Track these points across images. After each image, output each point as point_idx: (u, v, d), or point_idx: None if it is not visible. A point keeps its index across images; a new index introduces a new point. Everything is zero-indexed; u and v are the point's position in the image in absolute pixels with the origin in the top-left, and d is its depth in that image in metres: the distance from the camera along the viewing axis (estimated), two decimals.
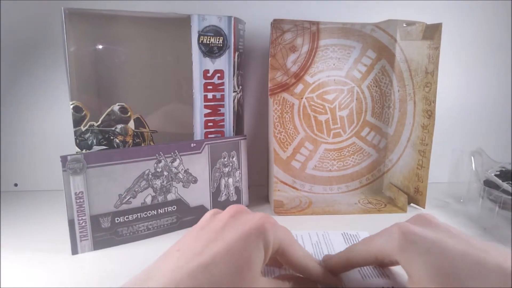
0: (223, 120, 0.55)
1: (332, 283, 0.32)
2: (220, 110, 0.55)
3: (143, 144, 0.52)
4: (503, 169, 0.58)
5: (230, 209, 0.30)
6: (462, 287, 0.23)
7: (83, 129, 0.49)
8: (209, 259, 0.24)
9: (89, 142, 0.50)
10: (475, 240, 0.27)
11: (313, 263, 0.31)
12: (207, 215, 0.31)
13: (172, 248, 0.28)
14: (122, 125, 0.51)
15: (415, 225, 0.29)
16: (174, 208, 0.49)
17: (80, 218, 0.42)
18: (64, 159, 0.41)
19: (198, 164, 0.50)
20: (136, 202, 0.46)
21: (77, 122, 0.49)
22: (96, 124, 0.50)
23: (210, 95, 0.53)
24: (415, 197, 0.59)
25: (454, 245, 0.26)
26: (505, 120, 0.71)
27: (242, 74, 0.59)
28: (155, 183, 0.47)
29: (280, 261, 0.30)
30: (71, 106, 0.48)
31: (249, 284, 0.25)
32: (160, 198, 0.48)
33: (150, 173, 0.46)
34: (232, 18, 0.51)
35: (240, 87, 0.57)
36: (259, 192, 0.63)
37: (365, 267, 0.34)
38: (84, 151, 0.50)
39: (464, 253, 0.25)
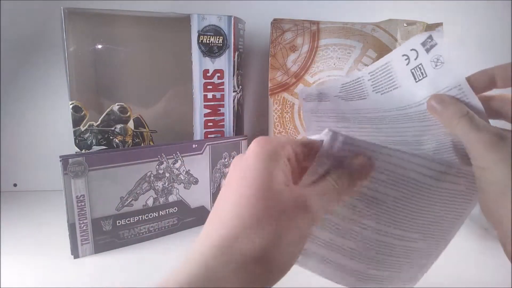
0: (223, 120, 0.55)
1: None
2: (220, 110, 0.54)
3: (142, 144, 0.52)
4: None
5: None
6: None
7: (83, 129, 0.49)
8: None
9: (89, 142, 0.49)
10: None
11: None
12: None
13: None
14: (122, 125, 0.50)
15: None
16: (175, 209, 0.49)
17: (81, 222, 0.42)
18: (64, 160, 0.40)
19: (199, 165, 0.50)
20: (138, 205, 0.46)
21: (76, 122, 0.48)
22: (95, 124, 0.49)
23: (210, 95, 0.53)
24: None
25: None
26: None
27: (242, 74, 0.58)
28: (157, 185, 0.47)
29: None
30: (71, 106, 0.48)
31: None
32: (161, 200, 0.47)
33: (152, 175, 0.46)
34: (232, 18, 0.51)
35: (240, 87, 0.57)
36: None
37: None
38: (83, 151, 0.49)
39: None
